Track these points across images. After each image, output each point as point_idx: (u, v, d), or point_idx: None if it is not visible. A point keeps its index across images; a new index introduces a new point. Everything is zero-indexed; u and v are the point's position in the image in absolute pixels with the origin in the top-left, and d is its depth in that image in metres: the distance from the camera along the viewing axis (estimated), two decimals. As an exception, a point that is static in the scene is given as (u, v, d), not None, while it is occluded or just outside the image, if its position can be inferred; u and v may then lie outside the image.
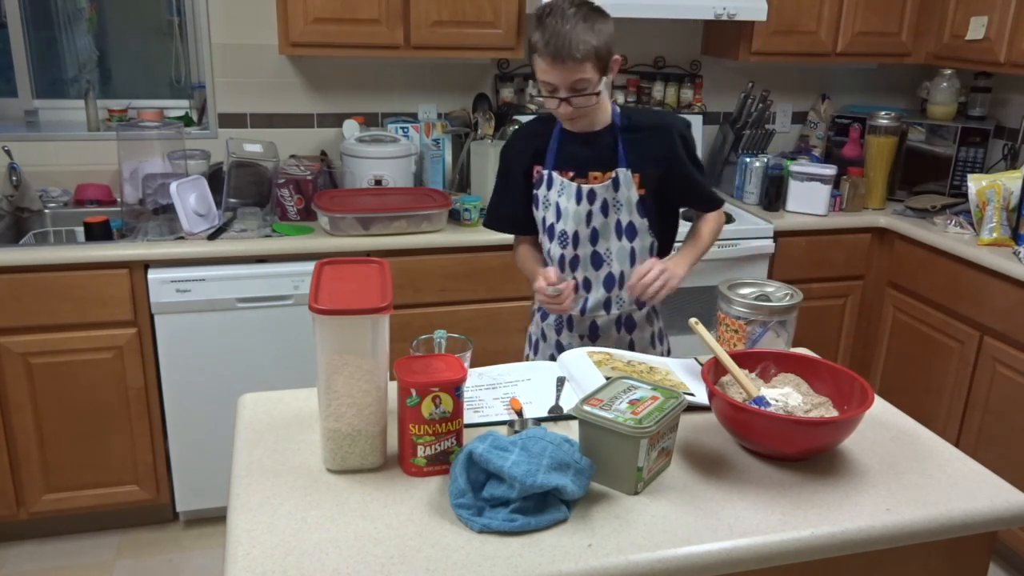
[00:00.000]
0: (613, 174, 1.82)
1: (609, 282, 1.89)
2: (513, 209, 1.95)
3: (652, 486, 1.29)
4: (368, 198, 2.72)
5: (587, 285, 1.90)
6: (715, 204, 1.97)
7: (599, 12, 1.70)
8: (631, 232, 1.86)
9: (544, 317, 2.00)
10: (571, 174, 1.85)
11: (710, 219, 1.96)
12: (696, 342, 1.52)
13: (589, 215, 1.84)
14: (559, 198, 1.85)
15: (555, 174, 1.86)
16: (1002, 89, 3.29)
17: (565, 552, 1.13)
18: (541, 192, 1.88)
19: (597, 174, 1.83)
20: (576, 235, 1.86)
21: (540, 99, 1.78)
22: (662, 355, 1.97)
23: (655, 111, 1.77)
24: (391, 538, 1.15)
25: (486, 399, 1.55)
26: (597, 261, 1.88)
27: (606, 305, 1.90)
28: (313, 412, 1.46)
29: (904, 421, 1.54)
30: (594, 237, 1.86)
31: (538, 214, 1.91)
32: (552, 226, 1.88)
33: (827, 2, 3.09)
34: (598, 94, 1.74)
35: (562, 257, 1.88)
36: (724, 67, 3.44)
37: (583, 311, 1.91)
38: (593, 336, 1.94)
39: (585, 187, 1.83)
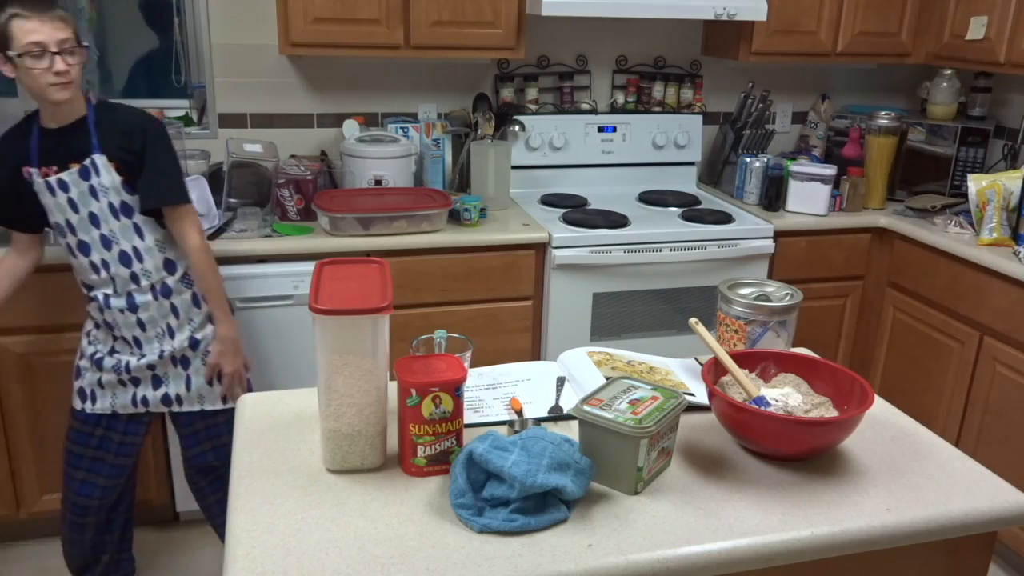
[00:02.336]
0: (87, 161, 1.98)
1: (125, 258, 2.06)
2: None
3: (652, 486, 1.29)
4: (368, 198, 2.72)
5: (106, 266, 2.07)
6: (170, 198, 2.07)
7: None
8: (126, 210, 2.04)
9: (91, 340, 2.20)
10: (55, 168, 2.00)
11: (192, 256, 2.11)
12: (696, 342, 1.52)
13: (72, 203, 2.00)
14: (41, 194, 2.02)
15: (33, 172, 2.01)
16: (1002, 89, 3.29)
17: (565, 552, 1.13)
18: (37, 190, 2.03)
19: (76, 164, 1.99)
20: (68, 223, 2.03)
21: (34, 65, 1.87)
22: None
23: (133, 110, 2.10)
24: (391, 538, 1.15)
25: (486, 399, 1.55)
26: (106, 242, 2.05)
27: (134, 278, 2.08)
28: (313, 412, 1.46)
29: (904, 421, 1.54)
30: (95, 220, 2.02)
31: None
32: (49, 220, 2.07)
33: (827, 2, 3.09)
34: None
35: (68, 246, 2.06)
36: (724, 67, 3.45)
37: (116, 290, 2.09)
38: (132, 308, 2.10)
39: (53, 179, 1.99)
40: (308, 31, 2.67)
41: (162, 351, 2.14)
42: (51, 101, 1.93)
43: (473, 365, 1.56)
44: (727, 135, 3.35)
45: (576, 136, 3.22)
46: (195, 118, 3.10)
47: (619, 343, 2.87)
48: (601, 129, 3.25)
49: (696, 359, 1.71)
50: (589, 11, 2.79)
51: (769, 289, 1.64)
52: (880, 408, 1.57)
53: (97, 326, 2.18)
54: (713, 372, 1.44)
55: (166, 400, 2.19)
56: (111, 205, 2.03)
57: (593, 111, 3.27)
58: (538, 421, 1.48)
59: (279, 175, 2.72)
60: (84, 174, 1.99)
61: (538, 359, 2.85)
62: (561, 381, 1.63)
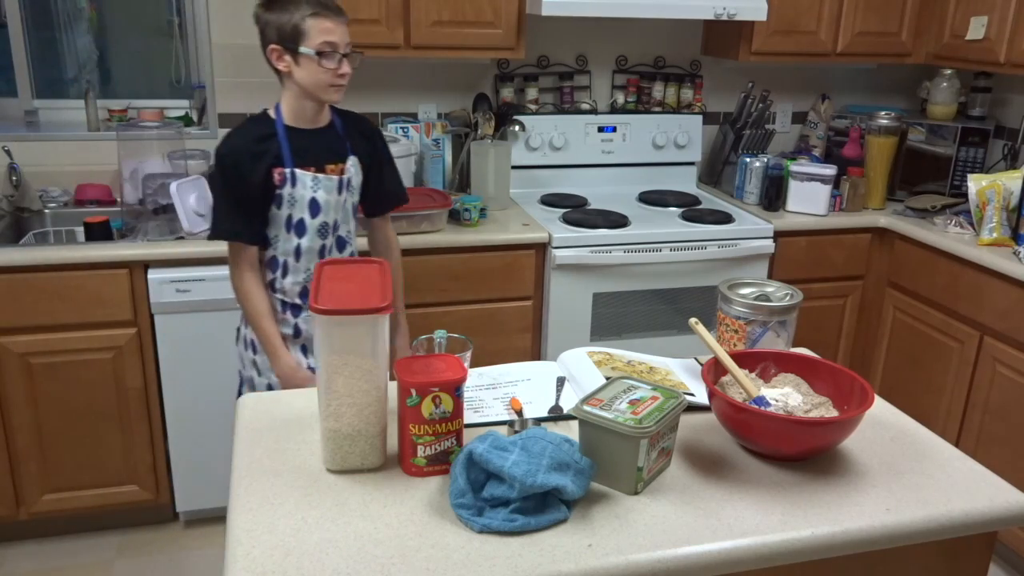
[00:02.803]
0: (348, 163, 2.01)
1: None
2: (247, 217, 1.95)
3: (652, 486, 1.29)
4: (368, 198, 2.72)
5: None
6: (406, 197, 2.21)
7: None
8: (355, 211, 2.10)
9: (297, 333, 2.07)
10: (312, 169, 1.95)
11: (395, 254, 2.21)
12: (696, 342, 1.52)
13: (335, 204, 2.00)
14: (315, 193, 1.95)
15: (300, 171, 1.94)
16: (1002, 89, 3.29)
17: (565, 552, 1.13)
18: (286, 191, 1.94)
19: (332, 165, 1.99)
20: (335, 224, 2.02)
21: (326, 64, 1.86)
22: None
23: (361, 115, 2.13)
24: (391, 538, 1.15)
25: (486, 399, 1.55)
26: (342, 243, 2.07)
27: None
28: (313, 412, 1.46)
29: (904, 421, 1.54)
30: (336, 223, 2.04)
31: (280, 213, 1.96)
32: (302, 221, 1.97)
33: (827, 2, 3.09)
34: None
35: (323, 248, 2.01)
36: (724, 67, 3.44)
37: None
38: None
39: (343, 179, 1.99)
40: (308, 31, 2.66)
41: None
42: (325, 101, 1.93)
43: (473, 365, 1.56)
44: (727, 135, 3.35)
45: (576, 136, 3.22)
46: (195, 118, 3.10)
47: (619, 343, 2.87)
48: (601, 129, 3.25)
49: (696, 359, 1.71)
50: (589, 11, 2.79)
51: (769, 289, 1.64)
52: (880, 408, 1.57)
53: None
54: (713, 372, 1.44)
55: None
56: (353, 205, 2.07)
57: (593, 111, 3.27)
58: (538, 421, 1.48)
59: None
60: (343, 174, 2.02)
61: (538, 359, 2.85)
62: (561, 381, 1.63)
